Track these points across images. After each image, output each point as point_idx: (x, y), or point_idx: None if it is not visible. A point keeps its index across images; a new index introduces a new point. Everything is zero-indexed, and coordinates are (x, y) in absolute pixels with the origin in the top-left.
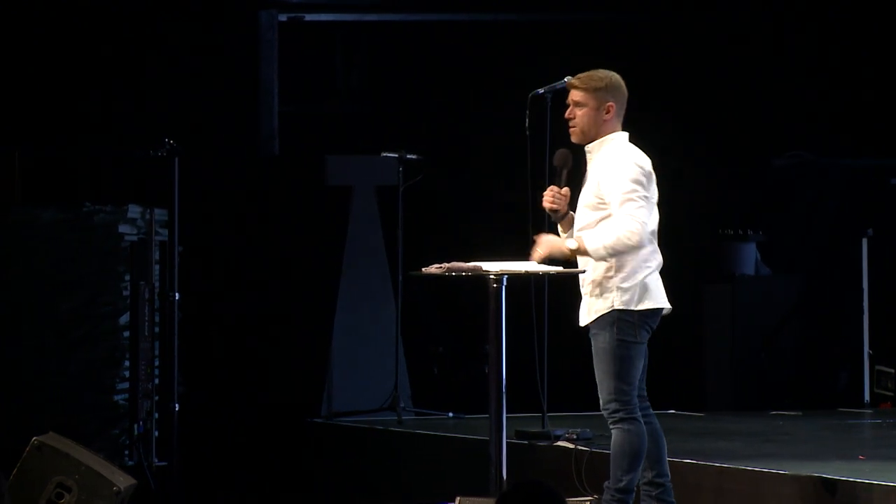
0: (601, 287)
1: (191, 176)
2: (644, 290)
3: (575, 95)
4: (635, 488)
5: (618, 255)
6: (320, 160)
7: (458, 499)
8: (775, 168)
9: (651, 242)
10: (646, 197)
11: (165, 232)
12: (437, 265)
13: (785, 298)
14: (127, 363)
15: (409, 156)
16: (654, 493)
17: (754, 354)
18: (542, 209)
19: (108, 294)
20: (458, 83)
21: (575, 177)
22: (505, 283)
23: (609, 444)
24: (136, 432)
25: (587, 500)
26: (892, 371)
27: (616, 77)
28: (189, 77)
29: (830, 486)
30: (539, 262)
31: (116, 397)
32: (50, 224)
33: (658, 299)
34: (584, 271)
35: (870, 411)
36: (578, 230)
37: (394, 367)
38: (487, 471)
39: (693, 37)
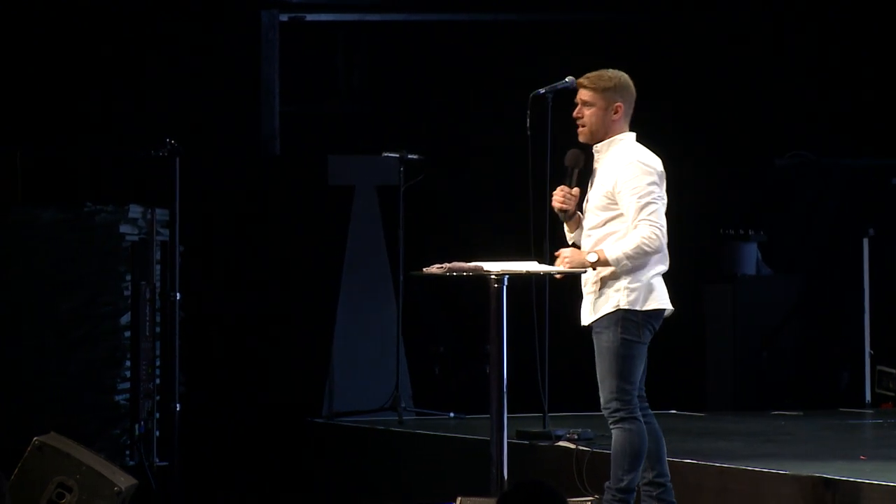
0: (607, 286)
1: (192, 176)
2: (649, 290)
3: (583, 95)
4: (636, 488)
5: (639, 261)
6: (321, 160)
7: (459, 499)
8: (776, 168)
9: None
10: (660, 198)
11: (166, 232)
12: (438, 265)
13: (786, 298)
14: (128, 363)
15: (410, 156)
16: (654, 494)
17: (755, 354)
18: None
19: (109, 294)
20: (459, 83)
21: (580, 177)
22: (506, 283)
23: (609, 444)
24: (137, 432)
25: (588, 501)
26: (894, 371)
27: (625, 77)
28: (190, 77)
29: (831, 486)
30: (560, 276)
31: (117, 397)
32: (51, 224)
33: (662, 300)
34: (585, 271)
35: (871, 411)
36: (588, 230)
37: (395, 367)
38: (488, 471)
39: (693, 37)
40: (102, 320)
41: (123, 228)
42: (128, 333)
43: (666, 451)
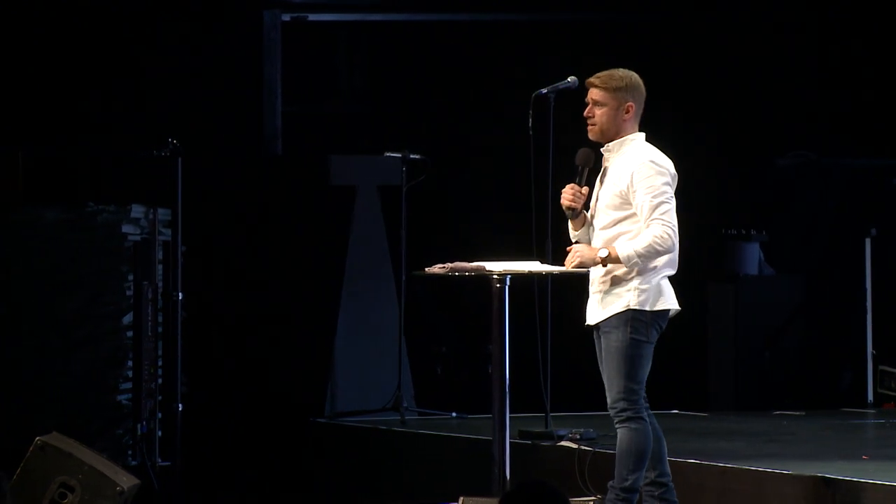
0: (618, 286)
1: (194, 176)
2: (659, 291)
3: (594, 94)
4: (640, 488)
5: (649, 260)
6: (323, 160)
7: (461, 499)
8: (778, 168)
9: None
10: (673, 198)
11: (169, 232)
12: (441, 265)
13: (788, 298)
14: (130, 363)
15: (412, 156)
16: (656, 494)
17: (758, 354)
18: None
19: (111, 294)
20: (461, 83)
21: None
22: (508, 282)
23: (612, 444)
24: (139, 432)
25: (590, 501)
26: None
27: (636, 77)
28: (192, 77)
29: (834, 486)
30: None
31: (119, 397)
32: (53, 224)
33: (670, 300)
34: (588, 272)
35: (873, 411)
36: (599, 230)
37: (397, 367)
38: (491, 471)
39: (694, 37)
40: (104, 320)
41: (125, 228)
42: (130, 333)
43: (667, 450)
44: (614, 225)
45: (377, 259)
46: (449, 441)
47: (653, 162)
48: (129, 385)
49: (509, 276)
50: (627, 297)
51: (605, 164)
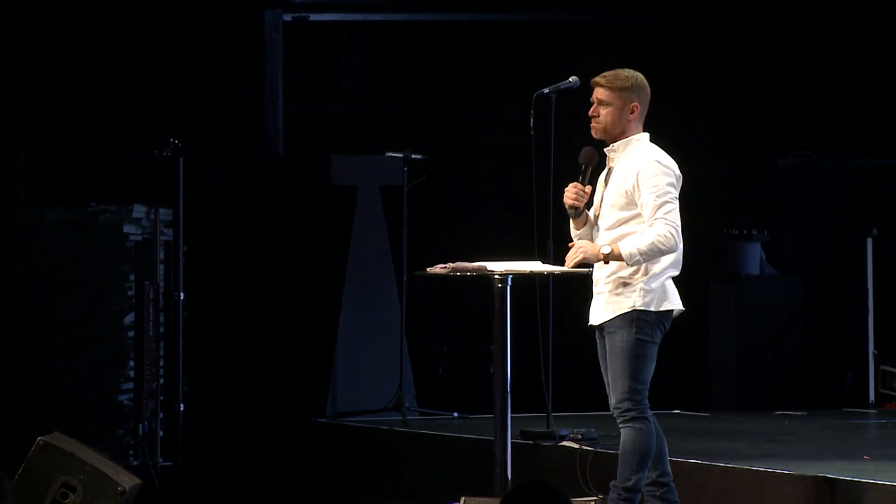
0: (624, 286)
1: (195, 176)
2: (663, 292)
3: (600, 94)
4: (642, 489)
5: (652, 259)
6: (325, 160)
7: (462, 499)
8: (779, 168)
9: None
10: (677, 199)
11: (170, 232)
12: (442, 265)
13: (790, 298)
14: (132, 363)
15: (413, 156)
16: (658, 493)
17: (759, 354)
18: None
19: (112, 294)
20: (462, 83)
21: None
22: (510, 282)
23: (614, 444)
24: (140, 432)
25: (592, 501)
26: None
27: (641, 77)
28: (194, 77)
29: (835, 486)
30: (573, 267)
31: (121, 397)
32: (54, 224)
33: (674, 301)
34: (590, 272)
35: (875, 411)
36: (605, 230)
37: (398, 367)
38: (492, 471)
39: (694, 37)
40: (106, 320)
41: (127, 228)
42: (131, 333)
43: (667, 450)
44: (619, 225)
45: (378, 259)
46: (450, 441)
47: (658, 162)
48: (130, 385)
49: (511, 276)
50: (633, 298)
51: (609, 164)
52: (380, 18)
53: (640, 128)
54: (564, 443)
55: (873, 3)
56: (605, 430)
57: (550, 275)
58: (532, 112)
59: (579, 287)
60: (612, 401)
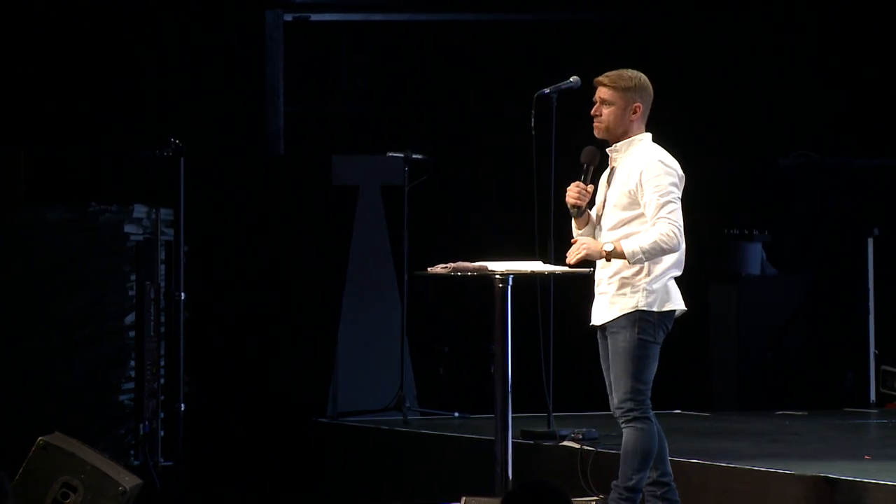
0: (627, 286)
1: (196, 176)
2: (666, 292)
3: (603, 93)
4: (643, 489)
5: (654, 258)
6: (326, 160)
7: (463, 499)
8: (780, 168)
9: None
10: (679, 199)
11: (171, 231)
12: (443, 265)
13: (791, 298)
14: (132, 363)
15: (414, 156)
16: (659, 493)
17: (760, 354)
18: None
19: (113, 294)
20: (463, 83)
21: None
22: (510, 282)
23: (614, 444)
24: (141, 432)
25: (593, 500)
26: None
27: (644, 78)
28: (195, 76)
29: (836, 486)
30: (575, 264)
31: (122, 397)
32: (55, 224)
33: (677, 301)
34: (591, 272)
35: (875, 411)
36: (608, 230)
37: (399, 367)
38: (493, 471)
39: (694, 37)
40: (107, 320)
41: (128, 228)
42: (132, 333)
43: (668, 450)
44: (622, 225)
45: (379, 259)
46: (451, 441)
47: (661, 162)
48: (131, 385)
49: (511, 276)
50: (636, 298)
51: (612, 164)
52: (381, 18)
53: (643, 128)
54: (565, 443)
55: (873, 3)
56: (606, 430)
57: (551, 275)
58: (533, 112)
59: (580, 287)
60: (615, 401)
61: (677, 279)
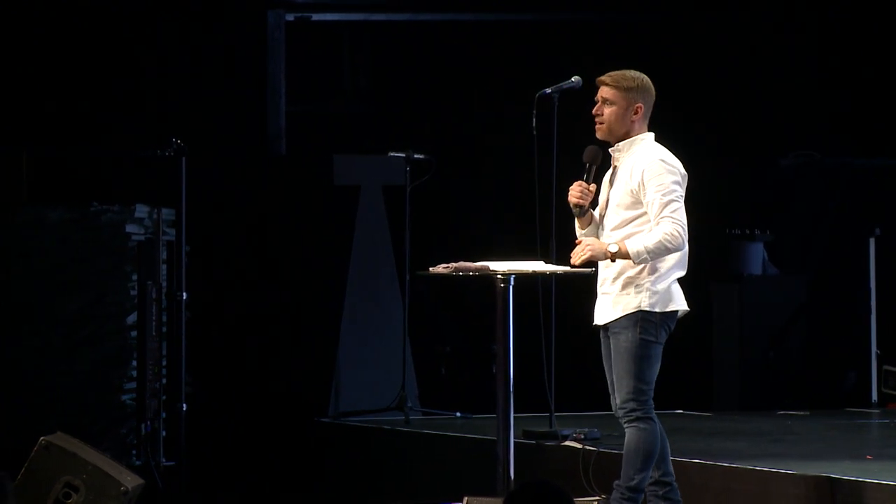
0: (629, 287)
1: (198, 175)
2: (669, 293)
3: (605, 93)
4: (645, 489)
5: (659, 257)
6: (327, 160)
7: (465, 499)
8: (781, 168)
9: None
10: (682, 197)
11: (173, 231)
12: (445, 265)
13: (792, 298)
14: (134, 363)
15: (416, 155)
16: (660, 493)
17: (762, 354)
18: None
19: (115, 293)
20: (464, 83)
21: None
22: (512, 282)
23: (616, 444)
24: (143, 432)
25: (595, 500)
26: None
27: (646, 79)
28: (196, 76)
29: (837, 485)
30: (580, 265)
31: (124, 397)
32: (57, 224)
33: (679, 302)
34: (592, 272)
35: (877, 411)
36: (611, 230)
37: (401, 367)
38: (495, 470)
39: (694, 37)
40: (109, 320)
41: (129, 228)
42: (134, 333)
43: (670, 450)
44: (625, 225)
45: (381, 259)
46: (453, 441)
47: (663, 161)
48: (133, 385)
49: (513, 276)
50: (639, 298)
51: (614, 163)
52: (382, 18)
53: (645, 128)
54: (567, 442)
55: (873, 3)
56: (608, 430)
57: (553, 274)
58: (534, 112)
59: (582, 287)
60: (617, 401)
61: (679, 279)
